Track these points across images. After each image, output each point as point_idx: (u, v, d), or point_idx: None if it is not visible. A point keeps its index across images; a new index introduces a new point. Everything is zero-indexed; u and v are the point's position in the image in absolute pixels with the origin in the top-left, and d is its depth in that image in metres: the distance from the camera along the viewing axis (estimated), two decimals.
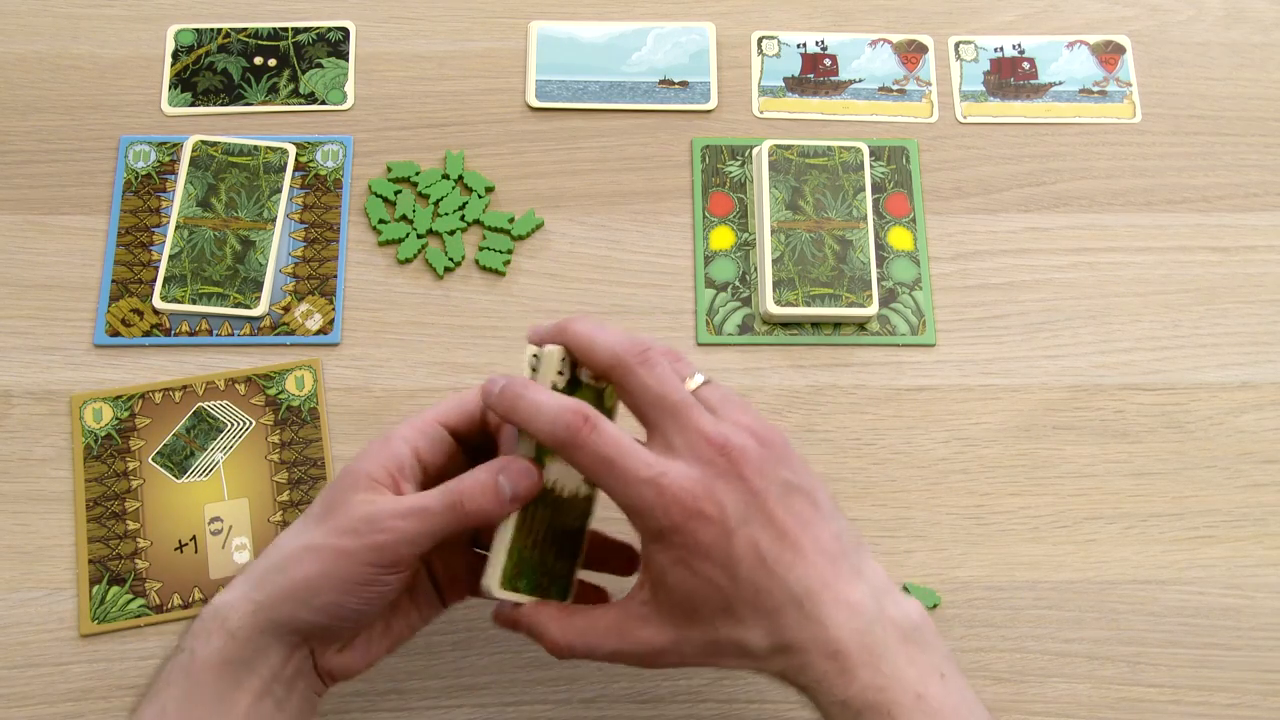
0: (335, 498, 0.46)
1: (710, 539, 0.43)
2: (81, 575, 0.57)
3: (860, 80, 0.69)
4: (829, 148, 0.65)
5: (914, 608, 0.45)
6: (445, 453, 0.48)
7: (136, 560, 0.57)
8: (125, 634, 0.57)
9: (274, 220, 0.64)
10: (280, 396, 0.61)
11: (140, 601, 0.57)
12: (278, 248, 0.64)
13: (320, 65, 0.68)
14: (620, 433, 0.44)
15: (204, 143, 0.65)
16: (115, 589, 0.57)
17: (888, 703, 0.43)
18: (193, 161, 0.65)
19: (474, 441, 0.50)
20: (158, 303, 0.62)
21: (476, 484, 0.45)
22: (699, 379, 0.47)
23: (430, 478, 0.47)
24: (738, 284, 0.64)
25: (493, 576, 0.46)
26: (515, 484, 0.46)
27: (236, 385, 0.61)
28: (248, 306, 0.62)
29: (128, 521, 0.58)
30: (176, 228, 0.63)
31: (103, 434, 0.60)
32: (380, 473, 0.46)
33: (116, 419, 0.60)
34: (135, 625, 0.57)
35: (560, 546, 0.48)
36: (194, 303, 0.62)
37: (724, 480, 0.44)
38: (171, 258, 0.63)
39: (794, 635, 0.44)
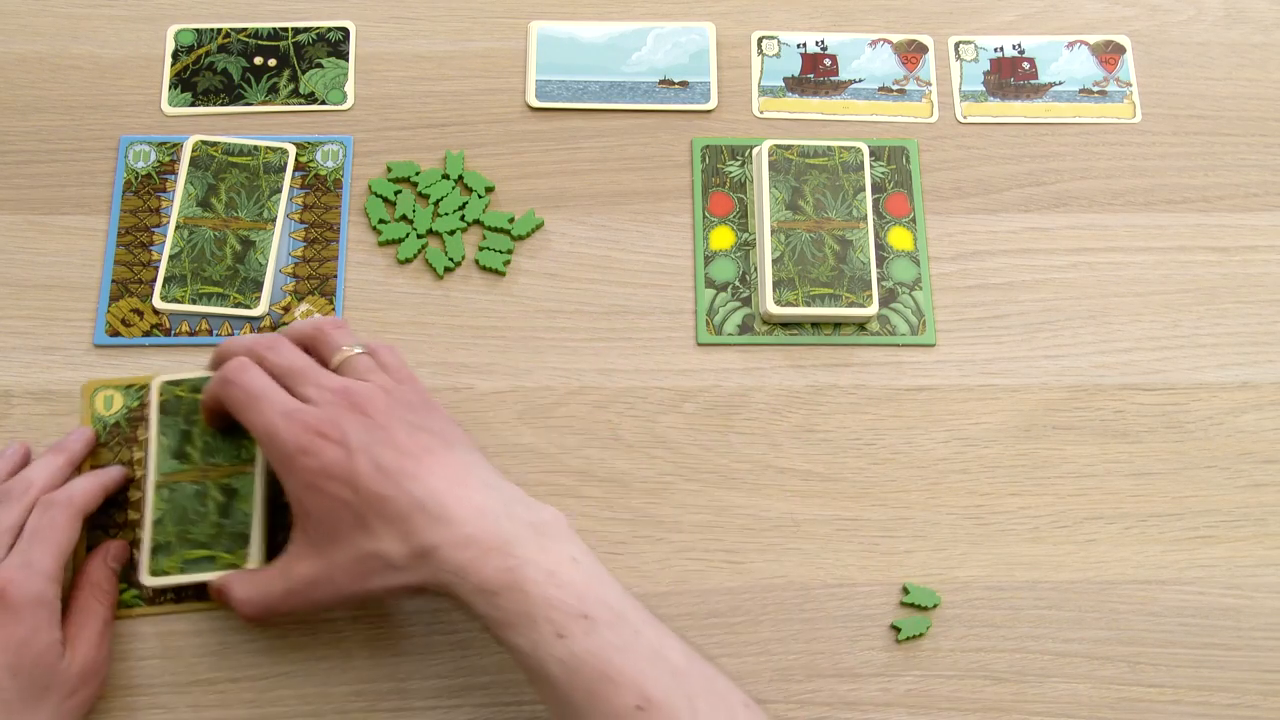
0: (45, 673, 0.50)
1: (333, 457, 0.49)
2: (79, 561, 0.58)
3: (860, 80, 0.69)
4: (829, 148, 0.65)
5: (548, 511, 0.50)
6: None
7: (134, 550, 0.57)
8: (120, 626, 0.57)
9: (274, 220, 0.64)
10: None
11: (134, 592, 0.57)
12: (278, 248, 0.64)
13: (320, 65, 0.68)
14: (266, 377, 0.52)
15: (204, 143, 0.65)
16: None
17: (521, 580, 0.47)
18: (193, 161, 0.65)
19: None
20: (158, 303, 0.62)
21: (106, 575, 0.56)
22: (355, 350, 0.54)
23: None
24: (738, 284, 0.64)
25: (141, 572, 0.55)
26: (119, 559, 0.57)
27: None
28: (248, 306, 0.62)
29: (129, 510, 0.58)
30: (177, 228, 0.63)
31: (111, 421, 0.60)
32: (57, 630, 0.52)
33: (126, 408, 0.60)
34: (128, 615, 0.57)
35: (226, 517, 0.56)
36: (194, 302, 0.62)
37: (348, 413, 0.50)
38: (171, 258, 0.63)
39: (426, 538, 0.48)
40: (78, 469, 0.58)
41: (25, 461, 0.58)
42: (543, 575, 0.47)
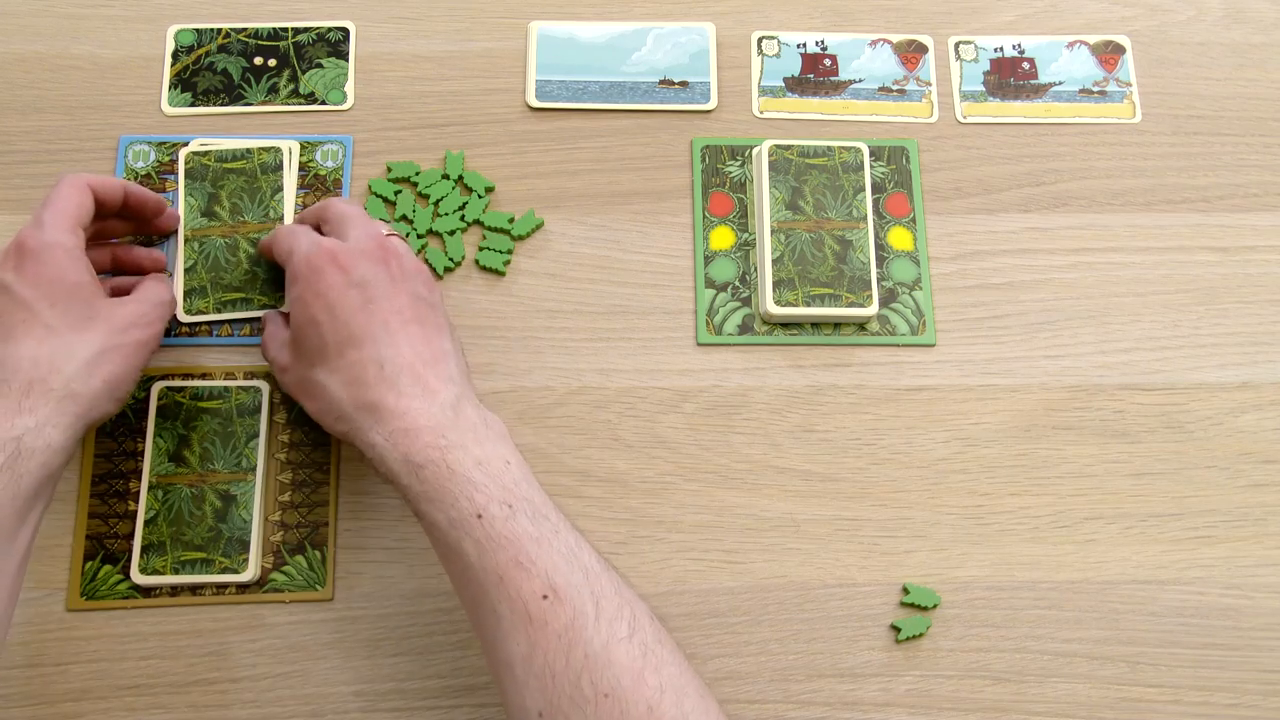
0: (84, 304, 0.53)
1: (331, 281, 0.52)
2: (76, 549, 0.58)
3: (860, 80, 0.69)
4: (829, 148, 0.65)
5: (495, 419, 0.52)
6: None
7: (133, 541, 0.58)
8: (119, 626, 0.57)
9: (281, 219, 0.64)
10: None
11: (129, 583, 0.57)
12: None
13: (320, 65, 0.68)
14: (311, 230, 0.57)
15: (195, 154, 0.65)
16: (107, 568, 0.57)
17: (450, 459, 0.49)
18: (187, 174, 0.65)
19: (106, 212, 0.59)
20: (183, 316, 0.62)
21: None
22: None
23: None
24: (738, 284, 0.64)
25: (133, 569, 0.57)
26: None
27: (255, 378, 0.61)
28: (272, 306, 0.62)
29: (129, 502, 0.59)
30: (186, 241, 0.63)
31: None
32: (91, 276, 0.54)
33: (134, 397, 0.60)
34: (121, 606, 0.57)
35: (223, 523, 0.58)
36: (219, 311, 0.62)
37: (371, 257, 0.53)
38: (187, 271, 0.63)
39: (371, 394, 0.50)
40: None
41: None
42: (471, 461, 0.49)
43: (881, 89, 0.69)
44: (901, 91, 0.69)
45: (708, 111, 0.68)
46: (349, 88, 0.68)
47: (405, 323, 0.52)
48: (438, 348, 0.53)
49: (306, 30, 0.69)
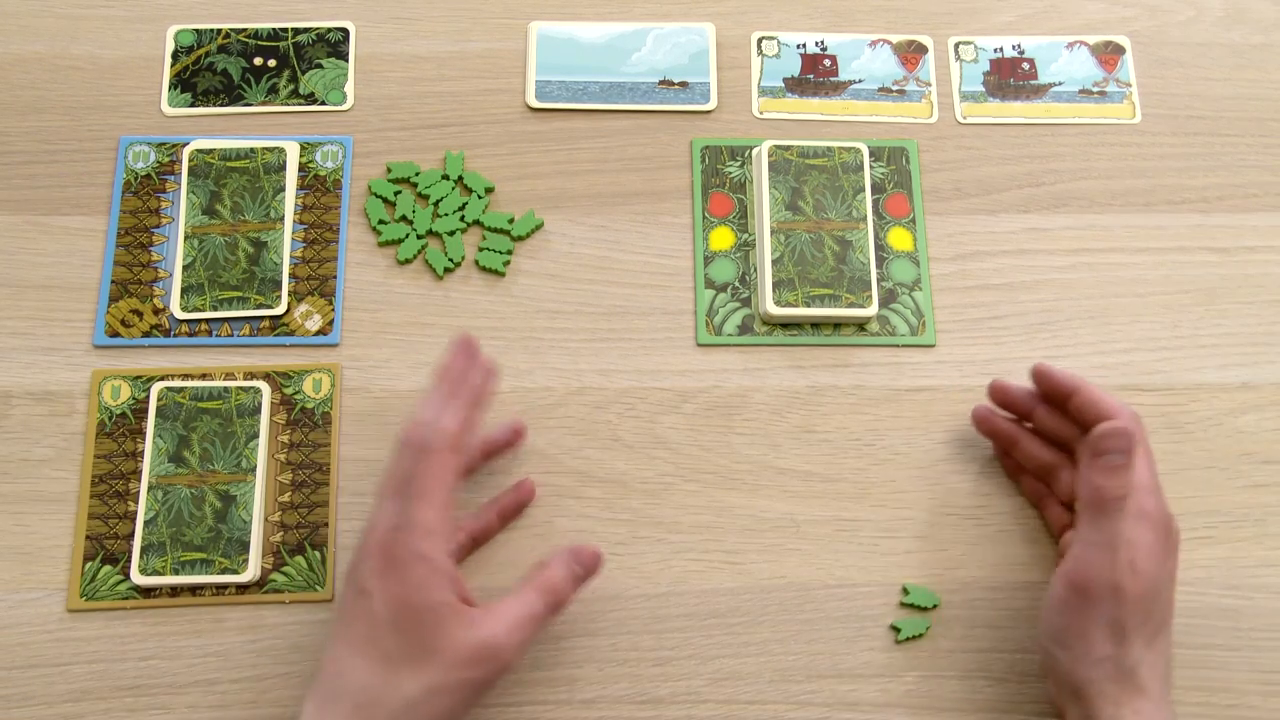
0: (428, 634, 0.47)
1: (1172, 556, 0.52)
2: (77, 549, 0.58)
3: (860, 81, 0.69)
4: (829, 148, 0.65)
5: None
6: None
7: (133, 542, 0.58)
8: (119, 626, 0.57)
9: (282, 219, 0.64)
10: (296, 396, 0.61)
11: (129, 584, 0.57)
12: (291, 245, 0.64)
13: (320, 66, 0.68)
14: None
15: (199, 151, 0.65)
16: (107, 568, 0.57)
17: None
18: (191, 171, 0.65)
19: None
20: (179, 313, 0.62)
21: (564, 576, 0.52)
22: None
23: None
24: (737, 284, 0.64)
25: (133, 570, 0.57)
26: (586, 566, 0.53)
27: (255, 379, 0.61)
28: (269, 306, 0.62)
29: (129, 503, 0.59)
30: (186, 238, 0.63)
31: (118, 412, 0.60)
32: (451, 594, 0.48)
33: (133, 398, 0.60)
34: (121, 607, 0.57)
35: (223, 523, 0.57)
36: (215, 309, 0.62)
37: (1177, 549, 0.53)
38: (186, 268, 0.63)
39: (1106, 690, 0.49)
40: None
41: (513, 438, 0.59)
42: None
43: (881, 89, 0.69)
44: (901, 92, 0.69)
45: (707, 112, 0.68)
46: (349, 88, 0.68)
47: (1163, 626, 0.52)
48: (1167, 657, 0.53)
49: (306, 31, 0.69)
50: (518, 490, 0.59)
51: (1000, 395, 0.59)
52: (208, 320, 0.62)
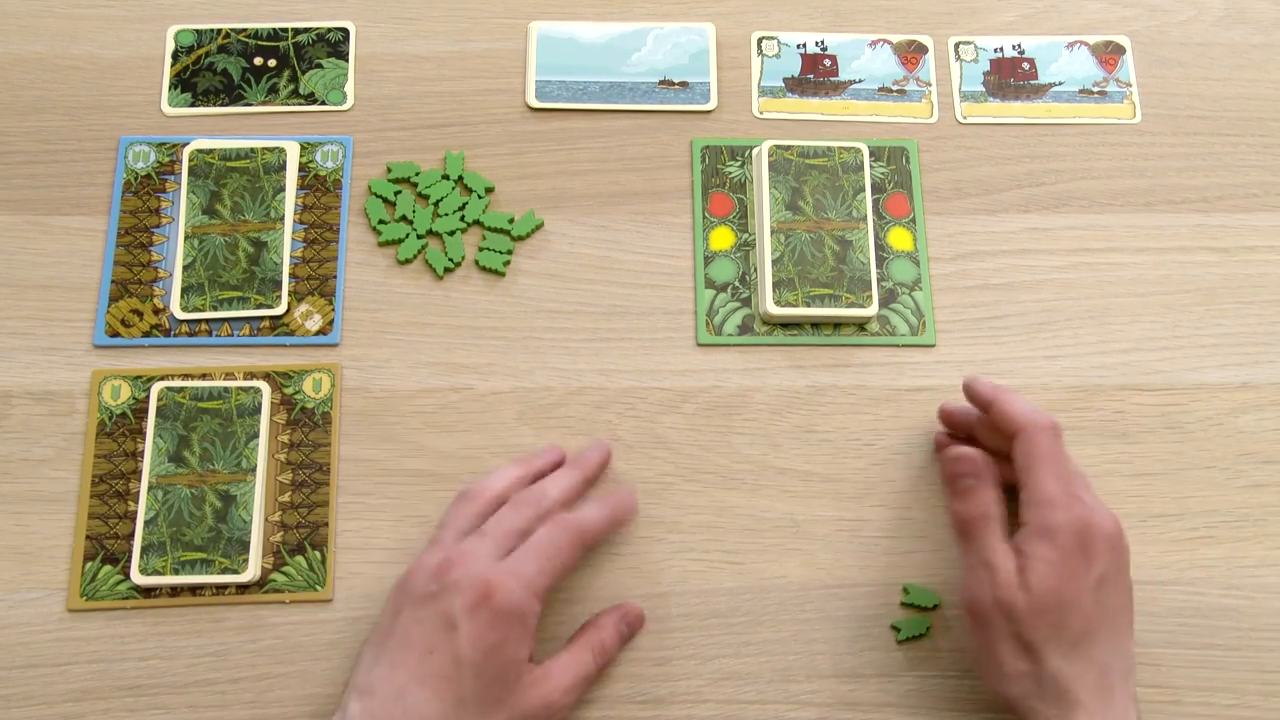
0: (505, 686, 0.50)
1: (1094, 564, 0.50)
2: (77, 549, 0.58)
3: (860, 80, 0.69)
4: (829, 148, 0.65)
5: None
6: None
7: (133, 542, 0.58)
8: (119, 626, 0.57)
9: (283, 219, 0.64)
10: (296, 396, 0.61)
11: (129, 584, 0.57)
12: (290, 245, 0.64)
13: (320, 66, 0.68)
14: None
15: (199, 151, 0.65)
16: (107, 568, 0.57)
17: None
18: (191, 171, 0.65)
19: None
20: (179, 313, 0.62)
21: (612, 637, 0.55)
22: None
23: None
24: (738, 284, 0.64)
25: (133, 570, 0.57)
26: (632, 626, 0.56)
27: (255, 379, 0.61)
28: (269, 306, 0.62)
29: (129, 502, 0.59)
30: (186, 238, 0.63)
31: (118, 412, 0.60)
32: (528, 650, 0.51)
33: (134, 398, 0.60)
34: (121, 607, 0.57)
35: (223, 523, 0.58)
36: (215, 309, 0.62)
37: (1112, 553, 0.51)
38: (186, 268, 0.63)
39: (1035, 708, 0.49)
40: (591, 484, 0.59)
41: (558, 466, 0.59)
42: None
43: (881, 89, 0.69)
44: (901, 92, 0.69)
45: (708, 112, 0.68)
46: (349, 88, 0.68)
47: (1127, 629, 0.52)
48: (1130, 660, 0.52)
49: (306, 30, 0.69)
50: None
51: (947, 419, 0.60)
52: (208, 320, 0.62)
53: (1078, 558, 0.50)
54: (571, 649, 0.54)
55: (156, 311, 0.62)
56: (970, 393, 0.57)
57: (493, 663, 0.49)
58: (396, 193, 0.66)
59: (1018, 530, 0.52)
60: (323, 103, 0.68)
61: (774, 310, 0.62)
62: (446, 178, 0.66)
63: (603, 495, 0.58)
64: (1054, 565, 0.50)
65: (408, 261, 0.64)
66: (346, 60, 0.69)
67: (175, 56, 0.69)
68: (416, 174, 0.66)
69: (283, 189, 0.65)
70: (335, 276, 0.64)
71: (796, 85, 0.69)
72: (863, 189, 0.65)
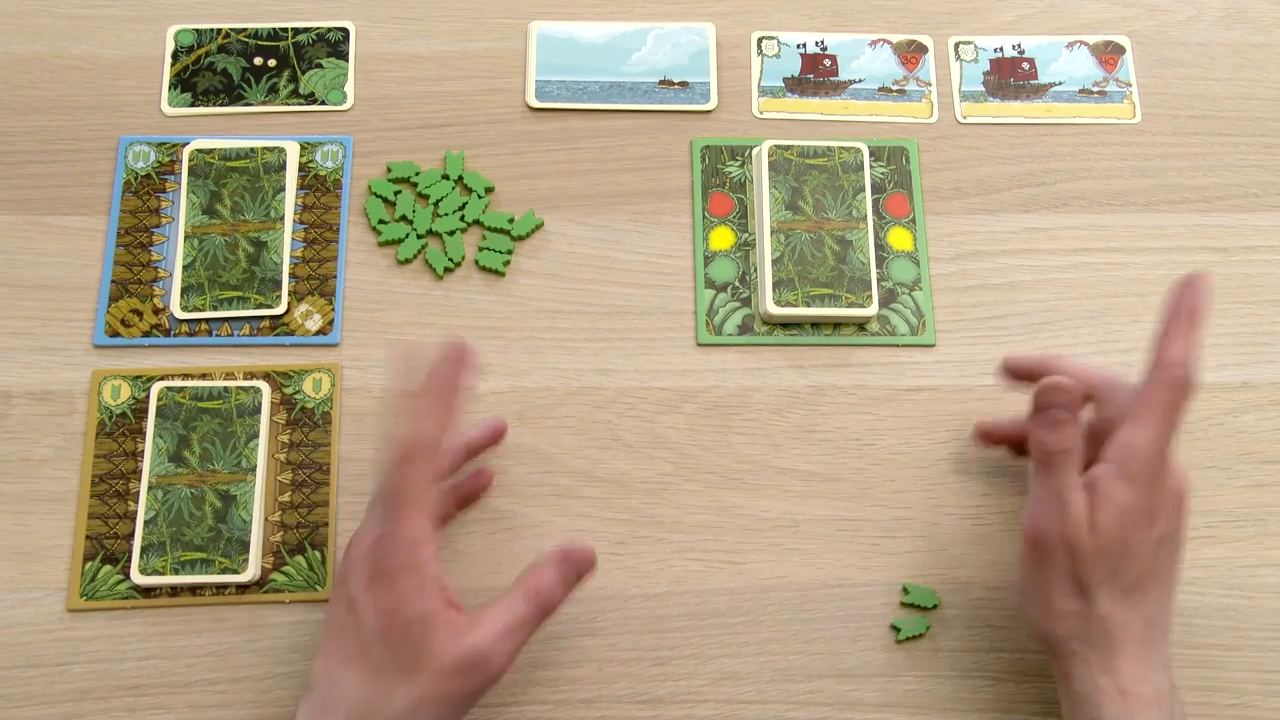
0: (416, 645, 0.47)
1: (1160, 519, 0.50)
2: (77, 549, 0.58)
3: (860, 80, 0.69)
4: (829, 148, 0.65)
5: None
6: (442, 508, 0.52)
7: (133, 541, 0.58)
8: (119, 626, 0.57)
9: (283, 219, 0.64)
10: (296, 396, 0.61)
11: (129, 584, 0.57)
12: (290, 245, 0.64)
13: (320, 65, 0.68)
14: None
15: (199, 151, 0.65)
16: (107, 568, 0.57)
17: None
18: (191, 171, 0.65)
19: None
20: (179, 313, 0.62)
21: (553, 579, 0.51)
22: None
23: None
24: (737, 284, 0.64)
25: (133, 570, 0.56)
26: (579, 566, 0.51)
27: (255, 379, 0.61)
28: (269, 306, 0.62)
29: (129, 502, 0.59)
30: (186, 238, 0.63)
31: (118, 411, 0.60)
32: (439, 603, 0.48)
33: (134, 398, 0.60)
34: (121, 607, 0.57)
35: (223, 523, 0.58)
36: (215, 309, 0.62)
37: (1178, 512, 0.51)
38: (186, 268, 0.63)
39: (1075, 649, 0.49)
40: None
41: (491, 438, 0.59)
42: None
43: (881, 89, 0.69)
44: (901, 92, 0.69)
45: (708, 112, 0.68)
46: (349, 88, 0.68)
47: (1172, 585, 0.52)
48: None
49: (306, 30, 0.69)
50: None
51: (987, 437, 0.60)
52: (208, 320, 0.62)
53: (1148, 509, 0.50)
54: (505, 595, 0.50)
55: (156, 311, 0.62)
56: (1019, 367, 0.58)
57: (396, 625, 0.47)
58: (396, 193, 0.66)
59: (1094, 465, 0.51)
60: (323, 103, 0.68)
61: (774, 310, 0.62)
62: (446, 178, 0.66)
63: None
64: (1126, 512, 0.49)
65: (408, 261, 0.64)
66: (346, 60, 0.69)
67: (175, 56, 0.69)
68: (416, 174, 0.66)
69: (283, 189, 0.65)
70: (335, 276, 0.64)
71: (796, 85, 0.69)
72: (863, 189, 0.65)
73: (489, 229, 0.65)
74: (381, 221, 0.65)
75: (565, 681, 0.57)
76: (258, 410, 0.60)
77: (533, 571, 0.51)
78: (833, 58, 0.70)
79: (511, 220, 0.65)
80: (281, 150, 0.65)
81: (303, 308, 0.63)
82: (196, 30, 0.69)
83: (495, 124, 0.68)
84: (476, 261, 0.64)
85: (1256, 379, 0.63)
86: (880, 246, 0.65)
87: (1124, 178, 0.67)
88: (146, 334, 0.62)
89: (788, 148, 0.65)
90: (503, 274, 0.64)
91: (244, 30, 0.69)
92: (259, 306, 0.62)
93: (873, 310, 0.62)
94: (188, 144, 0.66)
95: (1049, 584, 0.50)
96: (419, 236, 0.65)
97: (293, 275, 0.63)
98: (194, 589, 0.57)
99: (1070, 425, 0.50)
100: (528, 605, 0.50)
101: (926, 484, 0.61)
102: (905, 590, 0.58)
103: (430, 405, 0.48)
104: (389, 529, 0.47)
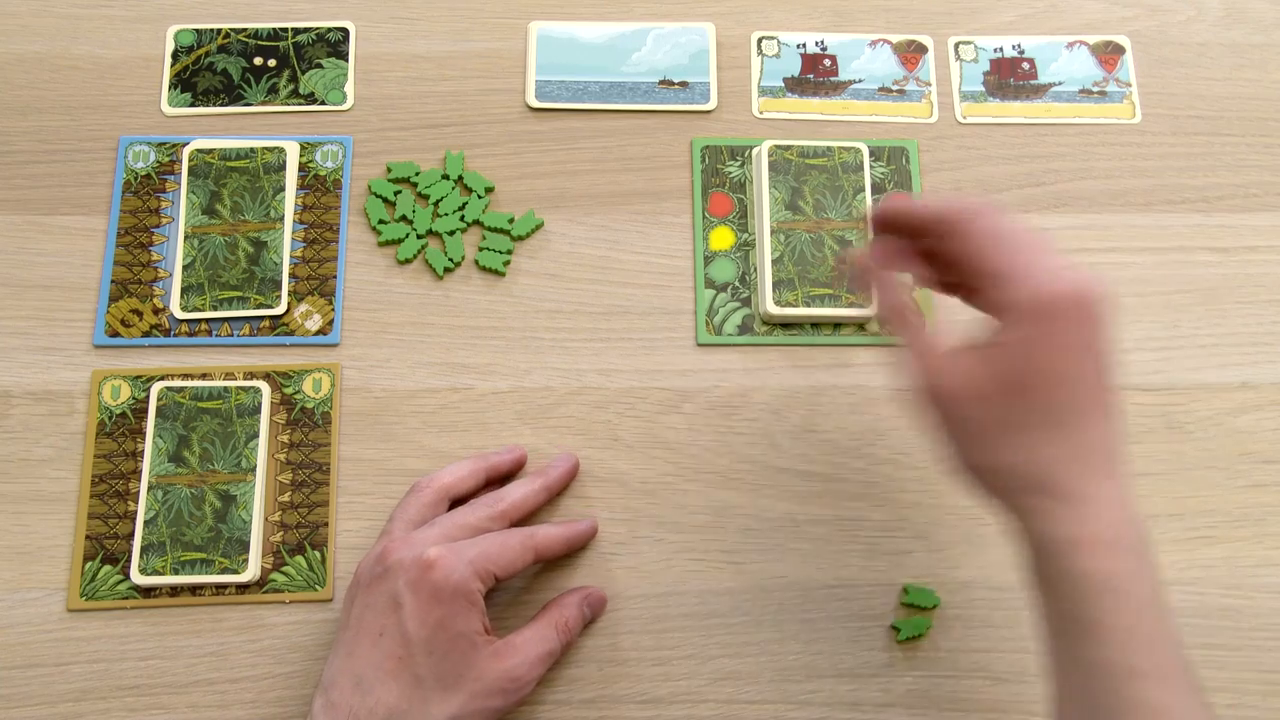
0: (459, 661, 0.50)
1: (1075, 338, 0.44)
2: (77, 549, 0.58)
3: (860, 80, 0.69)
4: (829, 148, 0.65)
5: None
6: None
7: (133, 541, 0.58)
8: (119, 626, 0.57)
9: (282, 219, 0.64)
10: (296, 396, 0.61)
11: (129, 584, 0.57)
12: (290, 245, 0.64)
13: (320, 65, 0.68)
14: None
15: (199, 151, 0.65)
16: (107, 568, 0.57)
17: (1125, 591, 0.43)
18: (191, 171, 0.65)
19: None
20: (179, 313, 0.62)
21: (576, 616, 0.55)
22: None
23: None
24: (737, 284, 0.64)
25: (133, 570, 0.57)
26: (595, 610, 0.57)
27: (255, 379, 0.61)
28: (269, 306, 0.62)
29: (129, 502, 0.59)
30: (186, 238, 0.63)
31: (118, 411, 0.60)
32: (480, 623, 0.51)
33: (133, 398, 0.60)
34: (121, 607, 0.57)
35: (223, 523, 0.58)
36: (215, 308, 0.62)
37: (1080, 321, 0.44)
38: (186, 268, 0.63)
39: (1075, 483, 0.44)
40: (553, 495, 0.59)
41: (518, 464, 0.60)
42: (1147, 592, 0.44)
43: (881, 89, 0.69)
44: (901, 92, 0.69)
45: (707, 112, 0.68)
46: (349, 88, 0.68)
47: (1114, 399, 0.46)
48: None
49: (306, 30, 0.69)
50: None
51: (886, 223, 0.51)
52: (208, 320, 0.62)
53: (1038, 333, 0.44)
54: (535, 624, 0.54)
55: (156, 311, 0.62)
56: (893, 218, 0.50)
57: (441, 638, 0.49)
58: (396, 193, 0.66)
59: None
60: (323, 103, 0.68)
61: (774, 310, 0.62)
62: (446, 178, 0.66)
63: (565, 520, 0.59)
64: (1010, 347, 0.44)
65: (408, 261, 0.64)
66: (346, 60, 0.69)
67: (175, 56, 0.69)
68: (416, 174, 0.66)
69: (283, 189, 0.65)
70: (335, 276, 0.64)
71: (796, 85, 0.69)
72: (863, 189, 0.65)
73: (489, 229, 0.65)
74: (381, 221, 0.65)
75: (565, 681, 0.57)
76: (258, 410, 0.60)
77: (560, 606, 0.55)
78: (833, 58, 0.70)
79: (511, 220, 0.65)
80: (281, 150, 0.65)
81: (302, 308, 0.63)
82: (196, 30, 0.69)
83: (495, 124, 0.68)
84: (476, 261, 0.64)
85: (1256, 379, 0.63)
86: None
87: (1124, 178, 0.67)
88: (146, 334, 0.62)
89: (788, 148, 0.65)
90: (503, 274, 0.64)
91: (244, 30, 0.69)
92: (259, 306, 0.62)
93: (873, 310, 0.62)
94: (188, 144, 0.66)
95: (961, 443, 0.46)
96: (419, 236, 0.65)
97: (293, 275, 0.63)
98: (194, 589, 0.58)
99: (891, 280, 0.49)
100: (557, 637, 0.54)
101: (926, 484, 0.61)
102: (905, 590, 0.58)
103: (557, 524, 0.57)
104: (468, 558, 0.51)
